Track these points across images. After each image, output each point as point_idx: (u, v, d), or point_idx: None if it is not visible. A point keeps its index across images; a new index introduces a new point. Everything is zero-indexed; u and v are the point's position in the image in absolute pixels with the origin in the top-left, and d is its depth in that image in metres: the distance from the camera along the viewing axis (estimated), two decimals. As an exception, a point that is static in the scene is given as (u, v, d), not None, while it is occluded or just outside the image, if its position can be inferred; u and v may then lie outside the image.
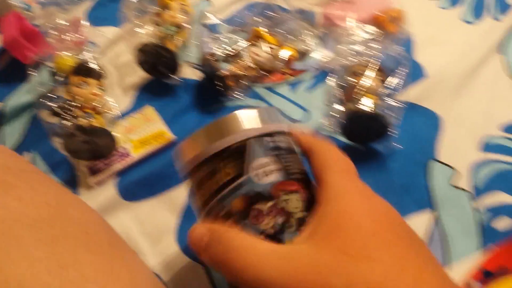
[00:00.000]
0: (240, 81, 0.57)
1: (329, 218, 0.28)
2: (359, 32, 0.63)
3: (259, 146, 0.29)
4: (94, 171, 0.50)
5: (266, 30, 0.61)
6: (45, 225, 0.29)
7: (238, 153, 0.29)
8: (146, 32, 0.59)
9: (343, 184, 0.30)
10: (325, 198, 0.29)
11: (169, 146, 0.53)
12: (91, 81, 0.51)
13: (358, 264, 0.26)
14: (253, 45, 0.59)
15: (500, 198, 0.49)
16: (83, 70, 0.52)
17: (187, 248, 0.46)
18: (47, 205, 0.31)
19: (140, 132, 0.53)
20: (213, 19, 0.66)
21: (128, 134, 0.53)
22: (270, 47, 0.58)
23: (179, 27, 0.60)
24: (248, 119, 0.30)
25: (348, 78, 0.55)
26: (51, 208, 0.31)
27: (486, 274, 0.44)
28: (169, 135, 0.52)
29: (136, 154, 0.51)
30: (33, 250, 0.26)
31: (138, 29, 0.59)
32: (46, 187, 0.34)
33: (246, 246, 0.27)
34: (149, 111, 0.55)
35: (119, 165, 0.50)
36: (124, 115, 0.55)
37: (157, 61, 0.55)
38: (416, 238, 0.31)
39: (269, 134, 0.30)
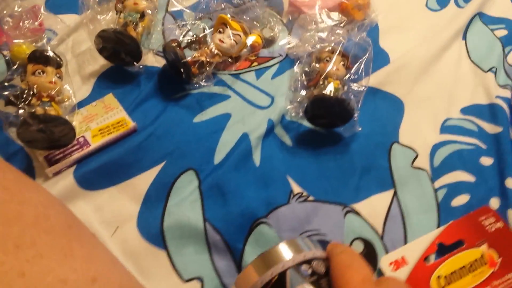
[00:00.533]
0: (205, 68, 0.56)
1: None
2: (325, 19, 0.63)
3: (296, 274, 0.32)
4: (51, 162, 0.48)
5: (232, 17, 0.60)
6: (0, 207, 0.29)
7: (281, 284, 0.31)
8: (107, 19, 0.58)
9: None
10: None
11: (130, 134, 0.52)
12: (49, 69, 0.50)
13: None
14: (218, 32, 0.58)
15: (457, 176, 0.50)
16: (40, 58, 0.50)
17: (148, 235, 0.45)
18: (4, 189, 0.31)
19: (100, 120, 0.52)
20: (177, 6, 0.65)
21: (87, 122, 0.52)
22: (236, 34, 0.58)
23: (141, 13, 0.58)
24: (286, 251, 0.33)
25: (313, 64, 0.56)
26: (7, 191, 0.31)
27: (441, 247, 0.44)
28: (130, 123, 0.51)
29: (95, 143, 0.50)
30: None
31: (99, 16, 0.58)
32: (3, 172, 0.34)
33: None
34: (109, 99, 0.54)
35: (77, 154, 0.49)
36: (83, 103, 0.54)
37: (118, 47, 0.54)
38: None
39: (307, 261, 0.32)
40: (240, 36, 0.58)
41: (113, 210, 0.47)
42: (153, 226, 0.46)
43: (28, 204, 0.31)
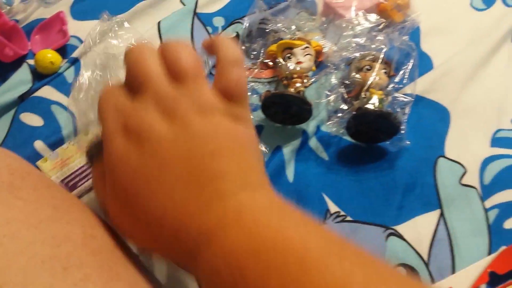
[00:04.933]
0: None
1: None
2: (361, 21, 0.59)
3: None
4: (70, 187, 0.46)
5: (288, 36, 0.54)
6: (49, 227, 0.29)
7: None
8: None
9: None
10: None
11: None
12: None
13: None
14: (287, 58, 0.51)
15: (510, 195, 0.46)
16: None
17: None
18: (52, 207, 0.31)
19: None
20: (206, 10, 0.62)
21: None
22: (304, 49, 0.51)
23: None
24: None
25: (352, 74, 0.51)
26: (56, 211, 0.31)
27: (494, 276, 0.40)
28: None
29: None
30: (38, 251, 0.26)
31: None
32: (51, 191, 0.33)
33: None
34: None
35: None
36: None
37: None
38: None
39: None
40: (309, 47, 0.52)
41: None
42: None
43: (76, 224, 0.31)
